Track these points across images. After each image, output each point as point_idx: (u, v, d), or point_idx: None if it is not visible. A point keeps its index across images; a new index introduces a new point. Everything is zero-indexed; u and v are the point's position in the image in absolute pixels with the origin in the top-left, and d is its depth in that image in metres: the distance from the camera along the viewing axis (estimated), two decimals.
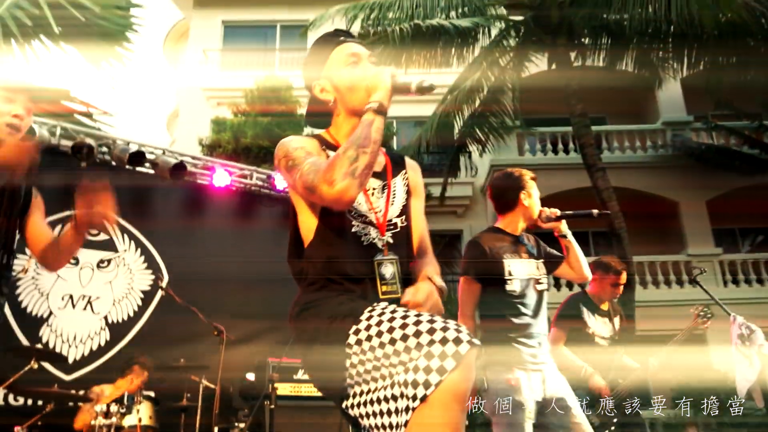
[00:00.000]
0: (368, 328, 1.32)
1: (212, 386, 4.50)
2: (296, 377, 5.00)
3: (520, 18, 10.16)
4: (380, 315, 1.33)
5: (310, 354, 1.47)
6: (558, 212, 2.76)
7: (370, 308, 1.37)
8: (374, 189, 1.62)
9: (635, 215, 9.63)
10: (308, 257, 1.56)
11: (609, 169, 9.21)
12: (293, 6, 14.67)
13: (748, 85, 9.59)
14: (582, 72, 9.72)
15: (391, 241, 1.58)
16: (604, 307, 3.73)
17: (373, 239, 1.56)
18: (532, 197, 2.78)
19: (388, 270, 1.53)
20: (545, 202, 2.83)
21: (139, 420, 3.98)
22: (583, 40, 9.83)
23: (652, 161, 12.32)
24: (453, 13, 9.72)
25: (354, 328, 1.34)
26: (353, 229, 1.54)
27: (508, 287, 2.59)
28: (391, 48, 8.85)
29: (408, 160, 1.79)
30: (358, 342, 1.32)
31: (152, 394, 4.39)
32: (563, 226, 2.81)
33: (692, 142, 12.29)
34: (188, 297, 4.86)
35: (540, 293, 2.68)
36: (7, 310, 4.98)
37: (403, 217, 1.64)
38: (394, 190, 1.66)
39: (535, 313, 2.63)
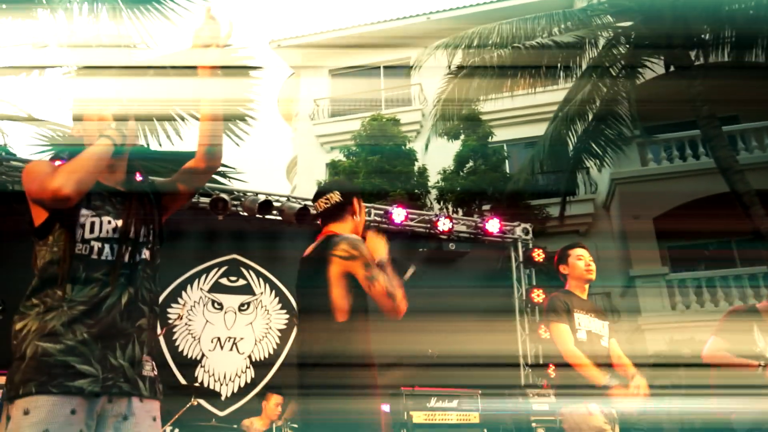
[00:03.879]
0: None
1: None
2: (429, 405, 5.03)
3: (628, 24, 9.74)
4: None
5: None
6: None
7: None
8: None
9: None
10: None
11: (748, 170, 8.41)
12: (394, 47, 15.18)
13: None
14: (705, 70, 9.07)
15: None
16: None
17: None
18: (569, 265, 3.21)
19: None
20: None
21: None
22: (702, 36, 9.20)
23: None
24: (555, 30, 9.55)
25: None
26: None
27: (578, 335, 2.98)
28: (494, 75, 8.86)
29: None
30: None
31: (296, 425, 4.61)
32: None
33: None
34: None
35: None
36: (165, 351, 5.56)
37: None
38: None
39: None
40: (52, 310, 1.48)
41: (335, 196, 2.20)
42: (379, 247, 2.15)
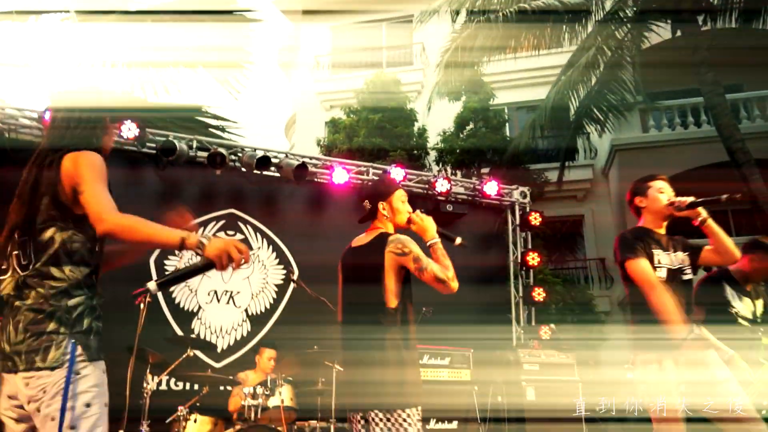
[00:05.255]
0: None
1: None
2: (421, 362, 5.12)
3: None
4: None
5: None
6: (688, 200, 2.83)
7: None
8: None
9: None
10: None
11: (749, 140, 8.37)
12: (397, 3, 14.86)
13: None
14: (712, 36, 8.92)
15: None
16: (748, 287, 3.50)
17: None
18: (648, 197, 2.96)
19: None
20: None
21: (282, 401, 4.30)
22: (711, 0, 9.02)
23: None
24: None
25: None
26: None
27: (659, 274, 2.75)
28: (497, 34, 8.70)
29: None
30: None
31: (291, 378, 4.70)
32: (702, 212, 2.83)
33: None
34: (316, 289, 5.11)
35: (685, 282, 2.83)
36: (162, 304, 5.62)
37: None
38: None
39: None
40: (94, 297, 1.84)
41: (366, 204, 2.66)
42: (428, 227, 2.56)
